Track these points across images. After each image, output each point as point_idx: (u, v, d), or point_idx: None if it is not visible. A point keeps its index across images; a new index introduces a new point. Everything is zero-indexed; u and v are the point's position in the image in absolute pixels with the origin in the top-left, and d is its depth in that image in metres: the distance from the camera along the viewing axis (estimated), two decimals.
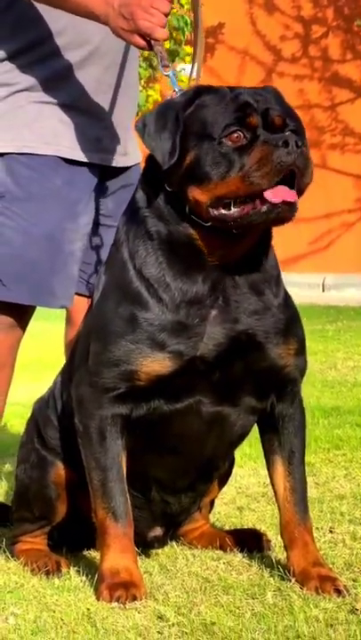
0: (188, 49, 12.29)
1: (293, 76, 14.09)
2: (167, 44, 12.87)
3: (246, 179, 2.74)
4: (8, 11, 3.42)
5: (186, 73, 3.88)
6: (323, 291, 13.13)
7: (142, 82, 13.47)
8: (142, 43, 3.15)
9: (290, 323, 2.97)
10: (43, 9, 3.38)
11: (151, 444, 2.99)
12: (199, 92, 2.90)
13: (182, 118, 2.85)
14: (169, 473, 3.08)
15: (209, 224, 2.82)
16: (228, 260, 2.87)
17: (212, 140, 2.79)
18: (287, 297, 3.02)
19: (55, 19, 3.38)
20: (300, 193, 2.79)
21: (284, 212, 2.76)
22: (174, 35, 12.96)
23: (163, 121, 2.87)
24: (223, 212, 2.78)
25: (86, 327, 3.09)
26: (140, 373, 2.85)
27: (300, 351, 3.00)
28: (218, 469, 3.19)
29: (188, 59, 13.70)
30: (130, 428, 2.94)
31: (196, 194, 2.81)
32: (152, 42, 3.13)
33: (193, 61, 3.50)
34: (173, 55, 13.14)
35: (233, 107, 2.82)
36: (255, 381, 2.94)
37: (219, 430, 2.98)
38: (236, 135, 2.79)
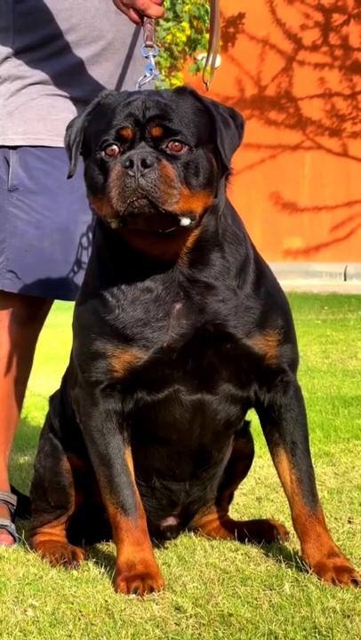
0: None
1: (314, 65, 14.06)
2: (188, 33, 12.89)
3: (107, 199, 2.71)
4: (22, 1, 3.42)
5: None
6: (344, 280, 13.10)
7: (164, 71, 13.45)
8: (136, 18, 3.18)
9: (265, 312, 2.93)
10: (57, 3, 3.38)
11: (141, 436, 3.01)
12: (100, 100, 2.88)
13: (82, 128, 2.85)
14: (163, 462, 3.10)
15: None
16: (170, 256, 2.85)
17: (95, 153, 2.78)
18: (259, 286, 2.95)
19: (69, 14, 3.39)
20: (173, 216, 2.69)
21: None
22: (195, 23, 12.97)
23: (73, 129, 2.88)
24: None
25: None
26: (115, 365, 2.88)
27: (284, 340, 2.97)
28: (213, 458, 3.17)
29: None
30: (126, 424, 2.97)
31: (94, 205, 2.82)
32: (145, 18, 3.17)
33: (209, 50, 3.51)
34: (195, 44, 13.15)
35: (116, 118, 2.75)
36: (231, 369, 2.93)
37: (201, 418, 2.99)
38: (110, 149, 2.74)
